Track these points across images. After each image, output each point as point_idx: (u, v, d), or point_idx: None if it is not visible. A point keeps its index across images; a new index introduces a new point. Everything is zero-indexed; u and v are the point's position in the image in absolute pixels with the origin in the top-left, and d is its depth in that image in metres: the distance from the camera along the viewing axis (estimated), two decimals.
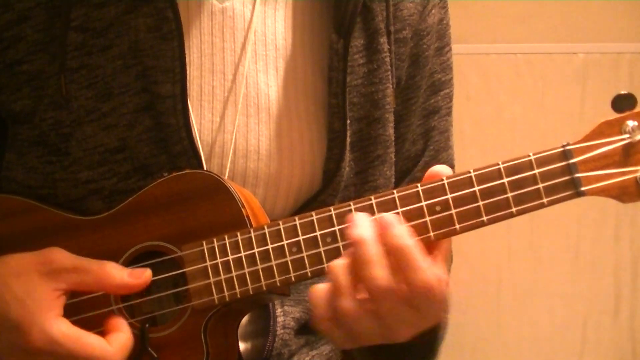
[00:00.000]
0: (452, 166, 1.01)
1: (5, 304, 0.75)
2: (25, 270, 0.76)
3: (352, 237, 0.71)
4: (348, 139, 0.87)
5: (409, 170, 0.97)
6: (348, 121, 0.86)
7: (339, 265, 0.71)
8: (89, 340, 0.74)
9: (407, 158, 0.97)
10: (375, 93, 0.88)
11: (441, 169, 0.75)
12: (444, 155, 0.99)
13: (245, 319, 0.86)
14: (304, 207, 0.87)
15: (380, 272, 0.70)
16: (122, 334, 0.77)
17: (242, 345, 0.85)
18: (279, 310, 0.87)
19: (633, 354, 2.13)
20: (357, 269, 0.70)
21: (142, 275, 0.77)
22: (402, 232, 0.71)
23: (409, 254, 0.70)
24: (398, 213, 0.74)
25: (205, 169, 0.83)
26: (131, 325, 0.78)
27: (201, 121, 0.84)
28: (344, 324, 0.71)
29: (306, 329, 0.91)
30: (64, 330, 0.74)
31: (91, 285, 0.77)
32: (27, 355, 0.74)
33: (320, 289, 0.72)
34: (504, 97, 2.14)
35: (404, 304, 0.70)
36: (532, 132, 2.09)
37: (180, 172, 0.79)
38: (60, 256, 0.77)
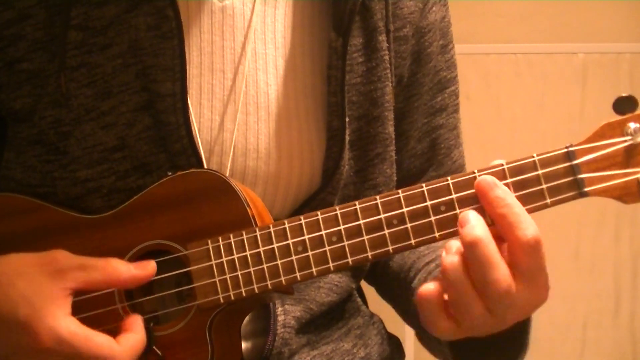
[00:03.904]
0: (462, 164, 1.02)
1: (13, 302, 0.74)
2: (29, 270, 0.75)
3: (467, 238, 0.70)
4: (347, 137, 0.87)
5: (419, 169, 0.97)
6: (347, 119, 0.86)
7: (455, 264, 0.70)
8: (97, 339, 0.73)
9: (413, 156, 0.97)
10: (374, 91, 0.88)
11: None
12: (455, 152, 0.99)
13: (245, 318, 0.86)
14: (303, 206, 0.87)
15: (500, 274, 0.69)
16: (133, 335, 0.76)
17: (243, 344, 0.84)
18: (279, 309, 0.87)
19: (633, 354, 2.13)
20: (474, 272, 0.70)
21: (148, 267, 0.77)
22: (505, 193, 0.71)
23: (516, 214, 0.70)
24: (403, 213, 0.74)
25: (206, 167, 0.83)
26: None
27: (200, 120, 0.84)
28: (455, 318, 0.72)
29: (307, 329, 0.90)
30: (73, 330, 0.73)
31: (99, 282, 0.76)
32: (34, 355, 0.73)
33: (431, 285, 0.72)
34: (504, 97, 2.13)
35: (519, 281, 0.70)
36: (532, 132, 2.09)
37: (185, 172, 0.79)
38: (64, 255, 0.76)
